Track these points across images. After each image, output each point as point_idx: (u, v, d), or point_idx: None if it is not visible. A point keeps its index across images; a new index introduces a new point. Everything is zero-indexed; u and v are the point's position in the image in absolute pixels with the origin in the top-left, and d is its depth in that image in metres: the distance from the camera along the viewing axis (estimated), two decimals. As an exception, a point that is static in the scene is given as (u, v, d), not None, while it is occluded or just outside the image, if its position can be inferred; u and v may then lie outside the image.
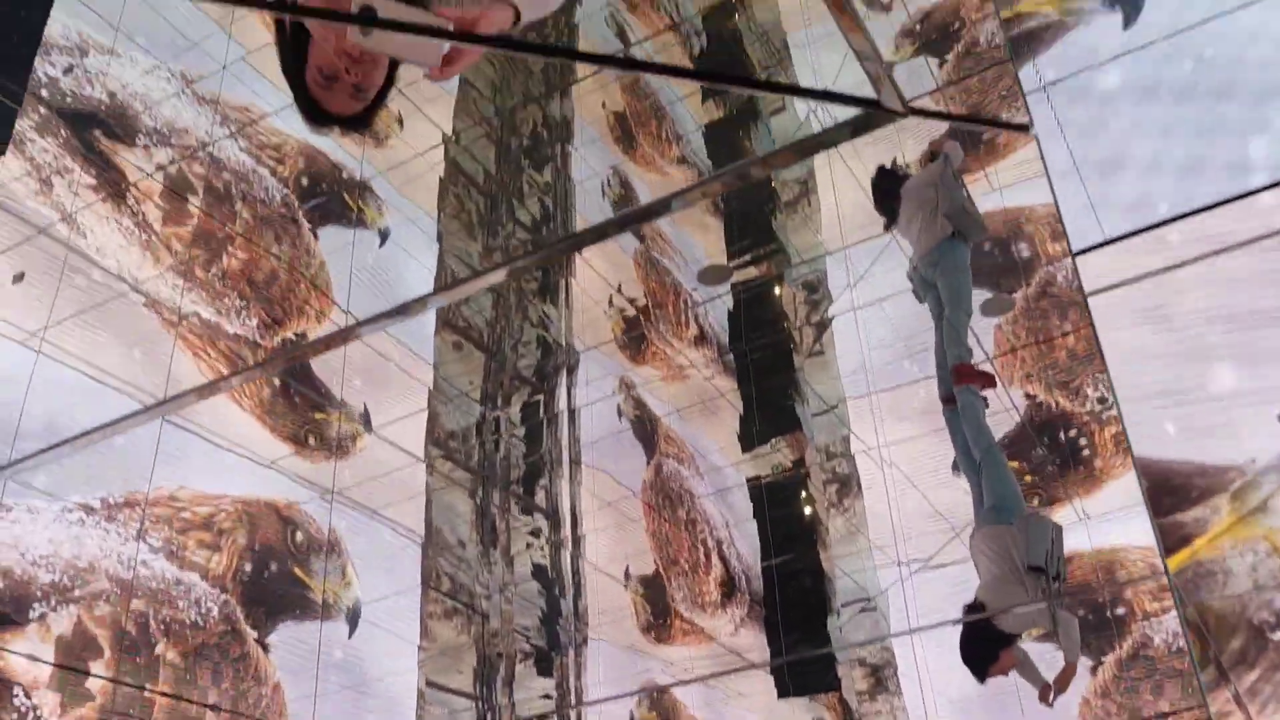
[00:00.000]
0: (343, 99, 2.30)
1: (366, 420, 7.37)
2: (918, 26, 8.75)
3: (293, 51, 2.36)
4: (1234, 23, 5.43)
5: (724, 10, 9.24)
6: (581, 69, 9.06)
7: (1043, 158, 4.30)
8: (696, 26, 9.48)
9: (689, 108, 10.35)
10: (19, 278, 6.08)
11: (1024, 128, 4.28)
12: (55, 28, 6.57)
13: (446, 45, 2.08)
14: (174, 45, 7.08)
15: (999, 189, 8.18)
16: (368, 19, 1.91)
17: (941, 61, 8.57)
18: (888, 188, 6.51)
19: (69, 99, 6.52)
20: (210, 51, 7.24)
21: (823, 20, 7.39)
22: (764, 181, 8.71)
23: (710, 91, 9.88)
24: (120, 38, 6.84)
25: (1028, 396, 8.39)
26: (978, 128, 6.03)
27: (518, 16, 2.12)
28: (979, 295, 7.90)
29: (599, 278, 9.07)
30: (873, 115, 1.60)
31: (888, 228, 6.62)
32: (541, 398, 8.56)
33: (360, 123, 2.47)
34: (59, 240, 6.21)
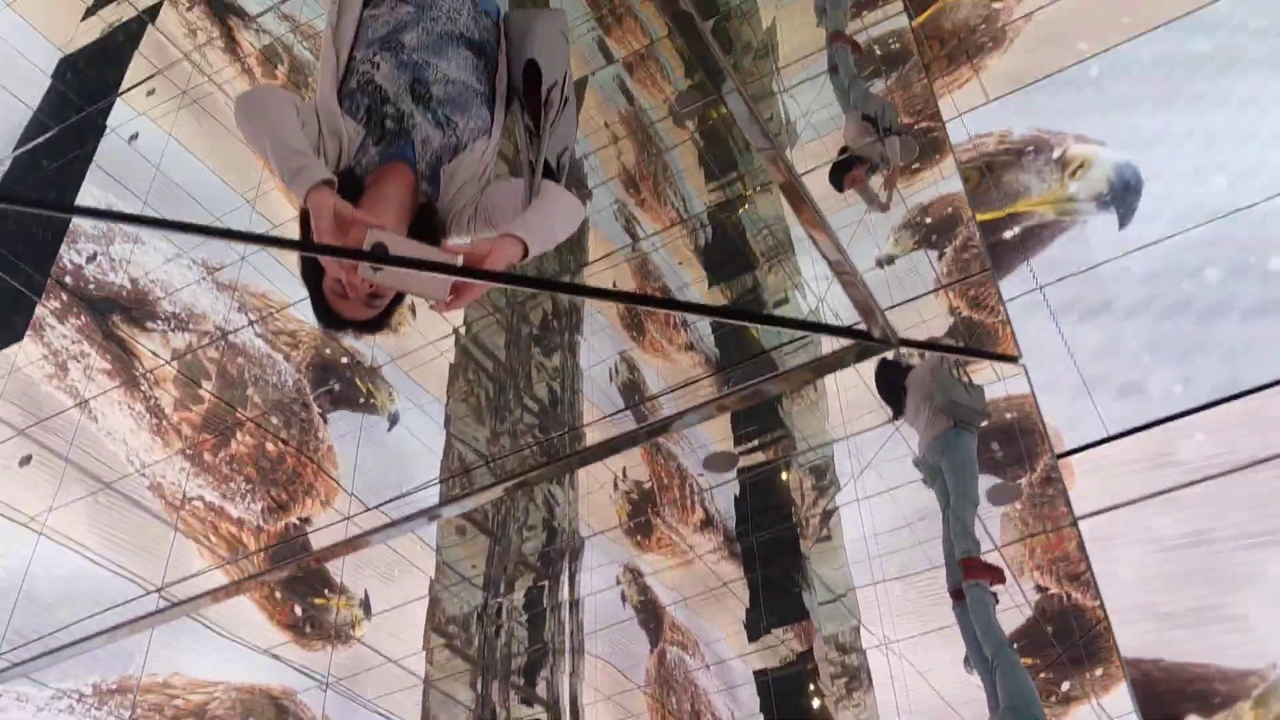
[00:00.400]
0: (357, 306, 2.38)
1: (366, 606, 7.26)
2: (924, 220, 8.97)
3: (311, 263, 2.44)
4: (1234, 222, 5.59)
5: (729, 205, 9.54)
6: (594, 253, 9.28)
7: (1030, 384, 4.36)
8: (702, 220, 9.77)
9: (697, 294, 10.55)
10: (25, 461, 6.11)
11: (1013, 359, 4.34)
12: (85, 201, 6.79)
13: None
14: (196, 220, 7.30)
15: (1003, 378, 8.23)
16: (380, 256, 1.98)
17: (940, 254, 8.75)
18: (891, 380, 6.57)
19: (91, 285, 6.69)
20: (233, 227, 7.47)
21: (827, 215, 7.60)
22: (771, 368, 8.81)
23: (717, 279, 10.09)
24: (146, 212, 7.07)
25: (1039, 589, 8.23)
26: (968, 357, 6.13)
27: (526, 251, 2.20)
28: (985, 482, 7.85)
29: (604, 462, 9.08)
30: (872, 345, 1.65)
31: (894, 419, 6.65)
32: (546, 584, 8.44)
33: (374, 328, 2.53)
34: (68, 423, 6.27)
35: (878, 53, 7.69)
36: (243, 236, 2.51)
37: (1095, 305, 5.96)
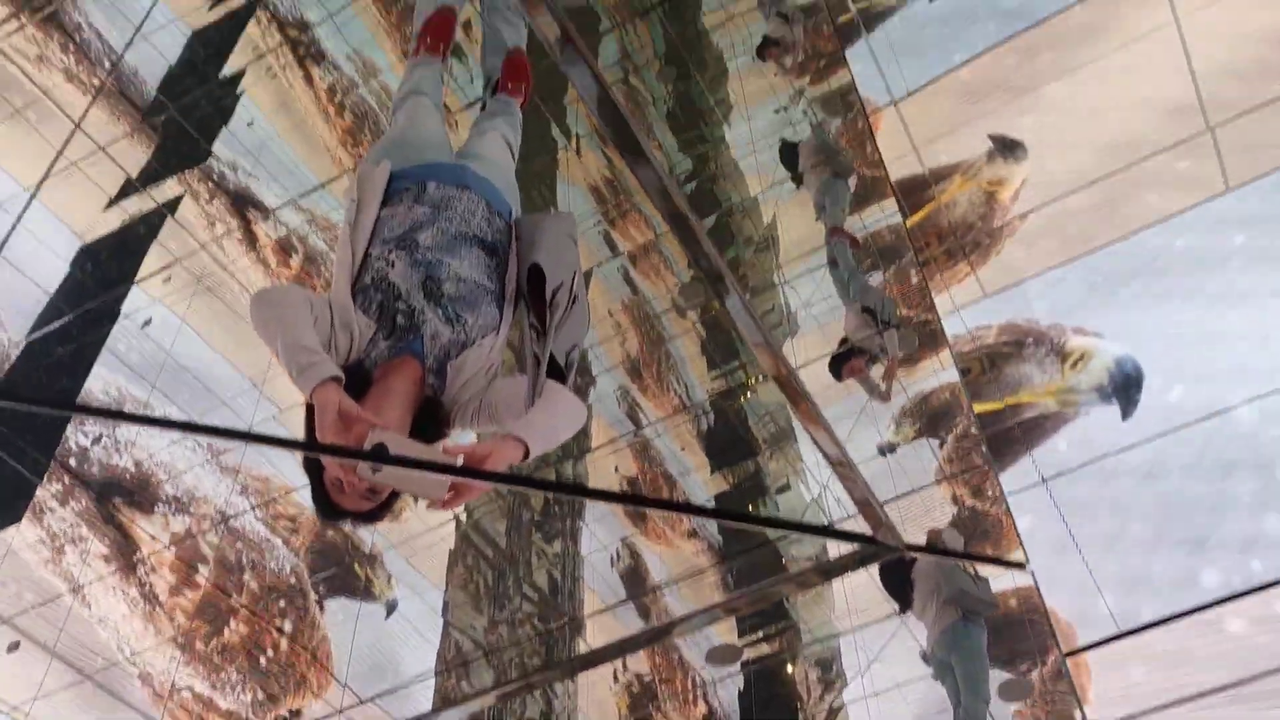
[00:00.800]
0: (355, 499, 2.39)
1: (355, 806, 6.98)
2: (924, 409, 9.02)
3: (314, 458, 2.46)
4: (1235, 417, 5.63)
5: (730, 394, 9.61)
6: (597, 438, 9.28)
7: (1038, 587, 4.34)
8: (704, 407, 9.84)
9: (700, 479, 10.50)
10: (14, 647, 5.99)
11: (1020, 565, 4.34)
12: (96, 384, 6.83)
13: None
14: (204, 403, 7.32)
15: (1010, 569, 8.11)
16: (379, 456, 2.00)
17: (941, 442, 8.77)
18: (897, 572, 6.50)
19: (95, 468, 6.69)
20: (240, 411, 7.48)
21: (830, 404, 7.66)
22: (775, 558, 8.71)
23: (719, 465, 10.07)
24: (156, 395, 7.10)
25: (1055, 792, 7.90)
26: (974, 561, 6.12)
27: (527, 452, 2.22)
28: (995, 677, 7.65)
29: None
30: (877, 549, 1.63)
31: (901, 612, 6.55)
32: (543, 782, 8.12)
33: (372, 519, 2.54)
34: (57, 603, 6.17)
35: (874, 246, 7.90)
36: (245, 436, 2.53)
37: (1102, 495, 5.94)
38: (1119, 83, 5.87)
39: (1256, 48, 5.55)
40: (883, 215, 7.54)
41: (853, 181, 7.60)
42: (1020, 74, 6.21)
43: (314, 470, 2.43)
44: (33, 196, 5.78)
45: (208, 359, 7.38)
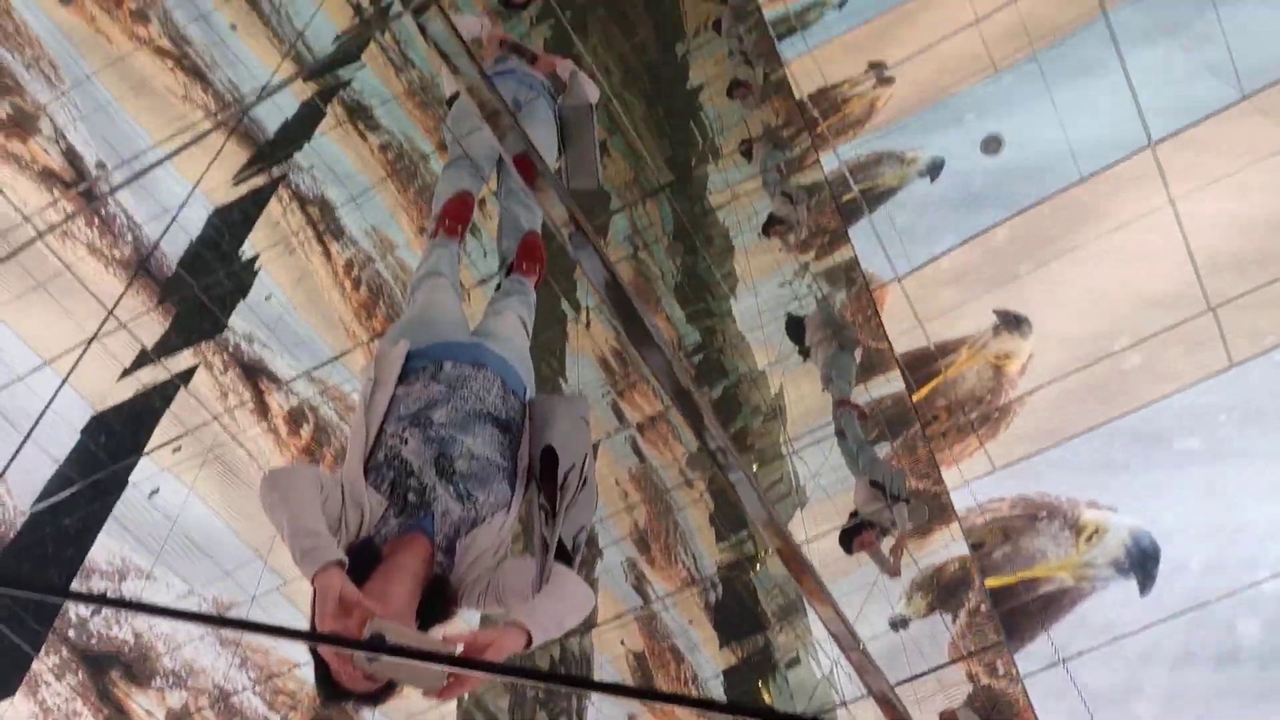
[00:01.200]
0: (358, 681, 2.34)
1: None
2: (936, 583, 8.87)
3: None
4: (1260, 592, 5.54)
5: (739, 565, 9.49)
6: (604, 611, 9.10)
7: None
8: (713, 580, 9.70)
9: (708, 654, 10.26)
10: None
11: None
12: (100, 553, 6.75)
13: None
14: (208, 573, 7.22)
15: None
16: (376, 646, 1.97)
17: (954, 617, 8.59)
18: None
19: (94, 640, 6.57)
20: (244, 581, 7.37)
21: (841, 576, 7.56)
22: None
23: (727, 639, 9.87)
24: (160, 565, 7.00)
25: None
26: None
27: (530, 640, 2.18)
28: None
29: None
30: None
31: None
32: None
33: (375, 701, 2.47)
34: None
35: (882, 417, 7.92)
36: (241, 625, 2.50)
37: (1122, 674, 5.80)
38: (1121, 261, 5.99)
39: (1254, 229, 5.69)
40: (889, 387, 7.58)
41: (859, 353, 7.67)
42: (1023, 252, 6.34)
43: (318, 652, 2.40)
44: (62, 384, 5.86)
45: (213, 528, 7.33)
